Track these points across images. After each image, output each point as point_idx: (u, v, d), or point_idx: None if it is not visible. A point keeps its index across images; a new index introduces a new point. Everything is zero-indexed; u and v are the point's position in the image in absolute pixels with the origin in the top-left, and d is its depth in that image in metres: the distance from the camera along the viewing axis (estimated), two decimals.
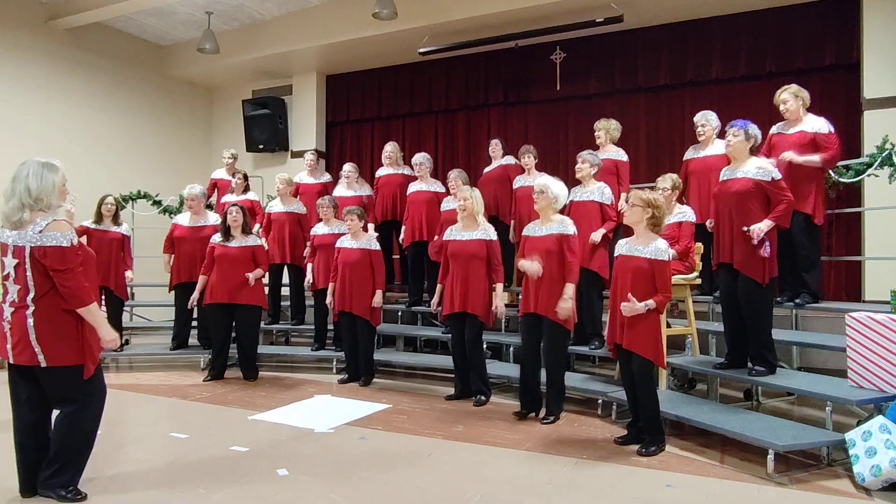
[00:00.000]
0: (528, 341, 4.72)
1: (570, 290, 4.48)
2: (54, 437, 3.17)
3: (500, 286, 5.11)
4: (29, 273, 3.03)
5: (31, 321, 3.02)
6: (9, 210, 3.06)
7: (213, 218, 6.74)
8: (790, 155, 4.88)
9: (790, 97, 5.04)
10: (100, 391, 3.25)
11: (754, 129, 4.35)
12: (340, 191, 7.20)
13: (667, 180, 5.39)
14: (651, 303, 3.82)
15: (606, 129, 5.98)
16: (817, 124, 4.99)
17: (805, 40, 7.08)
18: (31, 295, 3.03)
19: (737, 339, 4.52)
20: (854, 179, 5.44)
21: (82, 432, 3.19)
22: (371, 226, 6.80)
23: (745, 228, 4.15)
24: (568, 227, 4.57)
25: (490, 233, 5.14)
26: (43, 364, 3.03)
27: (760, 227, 4.13)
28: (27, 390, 3.16)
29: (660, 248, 3.87)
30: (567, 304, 4.46)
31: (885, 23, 6.54)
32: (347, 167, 7.35)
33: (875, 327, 3.94)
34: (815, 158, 4.88)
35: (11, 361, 3.09)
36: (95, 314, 3.13)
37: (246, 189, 7.56)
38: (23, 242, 3.03)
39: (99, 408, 3.26)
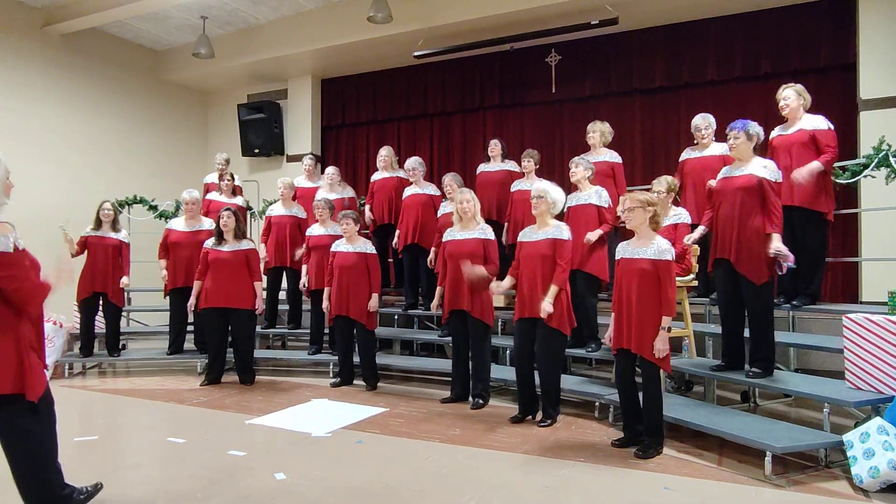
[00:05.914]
0: (522, 345, 4.71)
1: (553, 291, 4.46)
2: (14, 475, 2.73)
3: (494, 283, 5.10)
4: None
5: None
6: None
7: (208, 223, 6.73)
8: (800, 175, 4.79)
9: (793, 94, 5.01)
10: (47, 410, 2.79)
11: (755, 128, 4.32)
12: (322, 194, 7.15)
13: (662, 183, 5.38)
14: (667, 323, 3.81)
15: (602, 131, 5.95)
16: (815, 122, 4.98)
17: (801, 41, 7.10)
18: None
19: (734, 340, 4.52)
20: (851, 180, 5.45)
21: (37, 459, 2.75)
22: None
23: (773, 254, 4.11)
24: (563, 232, 4.58)
25: (488, 232, 5.15)
26: None
27: (780, 247, 4.11)
28: None
29: (662, 248, 3.85)
30: (548, 304, 4.43)
31: (882, 23, 6.55)
32: (330, 170, 7.43)
33: (872, 329, 3.94)
34: (815, 165, 4.82)
35: None
36: (53, 286, 2.70)
37: (234, 191, 7.54)
38: None
39: (51, 426, 2.81)
